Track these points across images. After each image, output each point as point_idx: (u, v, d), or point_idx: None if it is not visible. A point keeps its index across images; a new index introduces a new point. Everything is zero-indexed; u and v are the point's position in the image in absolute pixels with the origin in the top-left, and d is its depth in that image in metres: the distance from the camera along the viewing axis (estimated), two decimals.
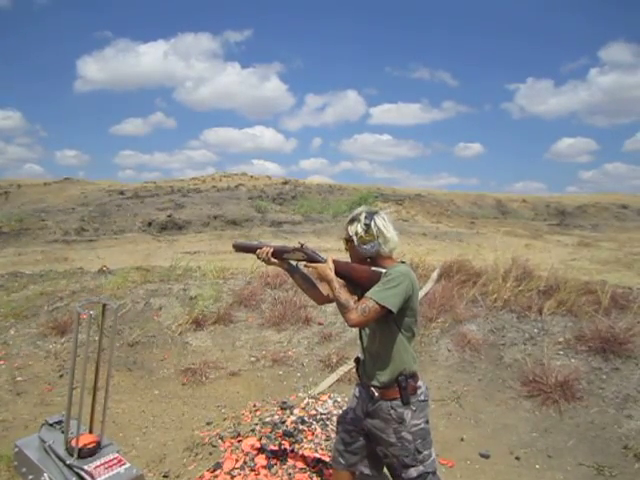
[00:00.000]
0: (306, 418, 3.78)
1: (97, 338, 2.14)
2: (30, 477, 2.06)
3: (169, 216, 21.56)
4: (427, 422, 2.23)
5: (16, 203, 26.10)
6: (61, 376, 4.73)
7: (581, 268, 10.36)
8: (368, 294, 2.09)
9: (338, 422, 2.50)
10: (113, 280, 6.87)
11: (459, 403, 4.20)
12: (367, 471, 2.36)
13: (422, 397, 2.23)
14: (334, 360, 4.93)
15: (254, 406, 4.15)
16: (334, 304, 2.26)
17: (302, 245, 2.36)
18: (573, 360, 4.46)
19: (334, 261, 2.26)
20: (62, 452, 2.07)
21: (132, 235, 18.41)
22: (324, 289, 2.40)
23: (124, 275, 7.12)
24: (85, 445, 2.06)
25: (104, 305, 2.18)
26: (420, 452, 2.17)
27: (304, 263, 2.35)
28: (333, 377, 4.67)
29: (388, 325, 2.16)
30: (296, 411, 3.93)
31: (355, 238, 2.20)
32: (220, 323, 5.74)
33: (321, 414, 3.86)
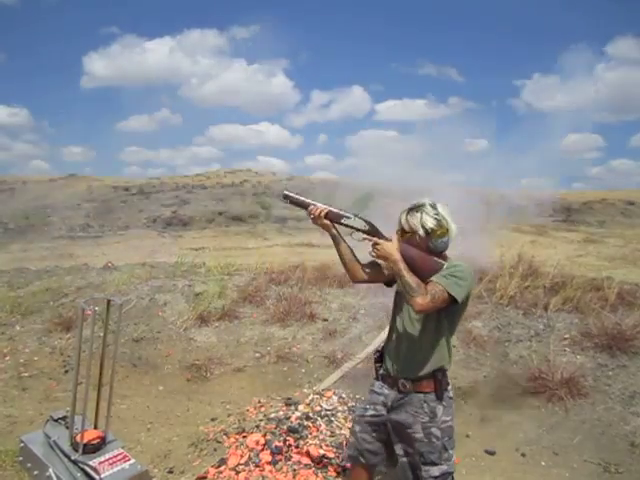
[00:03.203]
0: (311, 414, 3.77)
1: (102, 334, 2.13)
2: (35, 472, 2.06)
3: (174, 212, 21.61)
4: (452, 420, 2.16)
5: (22, 199, 26.21)
6: (66, 372, 4.74)
7: (587, 264, 10.33)
8: (435, 279, 2.01)
9: (356, 421, 2.38)
10: (118, 276, 6.88)
11: (464, 399, 4.18)
12: (384, 469, 2.31)
13: (451, 394, 2.18)
14: (339, 356, 4.92)
15: (259, 402, 4.14)
16: (359, 286, 2.16)
17: (358, 214, 2.23)
18: (579, 357, 4.44)
19: (399, 242, 2.14)
20: (67, 448, 2.06)
21: (137, 231, 18.47)
22: (369, 268, 2.29)
23: (129, 271, 7.14)
24: (90, 441, 2.06)
25: (109, 301, 2.17)
26: (447, 450, 2.10)
27: (362, 235, 2.20)
28: (338, 373, 4.65)
29: (439, 317, 2.10)
30: (301, 407, 3.92)
31: (422, 231, 2.08)
32: (225, 319, 5.74)
33: (326, 410, 3.84)
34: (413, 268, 2.09)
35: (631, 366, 4.20)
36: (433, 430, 2.09)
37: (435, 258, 2.12)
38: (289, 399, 4.13)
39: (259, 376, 4.76)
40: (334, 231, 2.27)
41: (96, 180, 33.30)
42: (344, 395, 4.13)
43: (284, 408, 3.95)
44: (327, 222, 2.24)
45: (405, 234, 2.14)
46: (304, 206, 2.28)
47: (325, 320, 5.68)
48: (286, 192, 2.34)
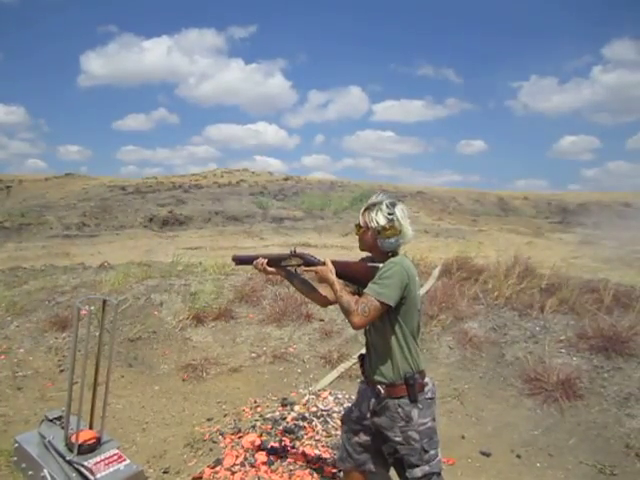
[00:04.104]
0: (307, 415, 3.77)
1: (97, 334, 2.13)
2: (30, 473, 2.05)
3: (170, 212, 21.57)
4: (434, 420, 2.17)
5: (18, 198, 26.14)
6: (61, 371, 4.73)
7: (583, 266, 10.35)
8: (367, 289, 2.06)
9: (343, 421, 2.44)
10: (114, 276, 6.86)
11: (460, 401, 4.19)
12: (375, 469, 2.31)
13: (429, 395, 2.17)
14: (335, 356, 4.92)
15: (255, 402, 4.14)
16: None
17: (294, 250, 2.33)
18: (575, 358, 4.45)
19: (332, 262, 2.21)
20: (62, 448, 2.06)
21: (133, 231, 18.42)
22: (326, 292, 2.34)
23: (125, 271, 7.12)
24: (85, 441, 2.06)
25: (105, 301, 2.17)
26: (426, 451, 2.12)
27: (302, 268, 2.31)
28: (334, 374, 4.66)
29: (389, 319, 2.11)
30: (297, 408, 3.92)
31: (373, 228, 2.13)
32: (221, 319, 5.73)
33: (322, 411, 3.85)
34: (351, 279, 2.23)
35: (626, 368, 4.21)
36: (410, 433, 2.11)
37: (370, 264, 2.19)
38: (285, 399, 4.13)
39: (255, 376, 4.76)
40: (284, 273, 2.39)
41: (92, 179, 33.22)
42: (340, 396, 4.14)
43: (280, 408, 3.95)
44: (272, 269, 2.36)
45: (360, 229, 2.20)
46: (249, 262, 2.43)
47: (321, 320, 5.68)
48: (233, 257, 2.53)
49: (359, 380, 2.46)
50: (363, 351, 2.38)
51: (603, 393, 4.01)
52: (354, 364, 4.60)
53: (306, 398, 4.12)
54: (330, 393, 4.20)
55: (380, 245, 2.15)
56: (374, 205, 2.17)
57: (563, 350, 4.59)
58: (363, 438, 2.30)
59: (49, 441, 2.08)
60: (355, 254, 2.31)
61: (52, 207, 22.39)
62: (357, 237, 2.26)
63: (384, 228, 2.11)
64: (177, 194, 25.72)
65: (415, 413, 2.11)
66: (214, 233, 18.06)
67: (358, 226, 2.22)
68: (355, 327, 2.07)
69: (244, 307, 6.07)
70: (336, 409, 3.87)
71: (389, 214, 2.12)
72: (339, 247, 14.28)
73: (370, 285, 2.06)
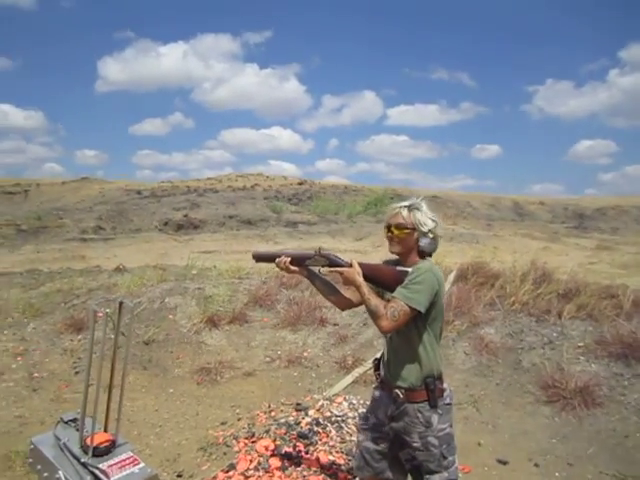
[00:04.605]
0: (321, 420, 3.74)
1: (113, 336, 2.12)
2: (45, 474, 2.05)
3: (185, 216, 21.70)
4: (451, 426, 2.14)
5: (35, 202, 26.48)
6: (77, 373, 4.75)
7: (601, 272, 10.21)
8: (395, 294, 2.02)
9: (359, 429, 2.39)
10: (129, 278, 6.91)
11: (476, 407, 4.14)
12: (393, 477, 2.26)
13: (447, 400, 2.14)
14: (349, 362, 4.89)
15: (269, 407, 4.12)
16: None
17: (319, 250, 2.26)
18: (593, 365, 4.38)
19: (360, 264, 2.14)
20: (77, 450, 2.05)
21: (148, 234, 18.55)
22: (349, 294, 2.30)
23: (140, 274, 7.16)
24: (100, 443, 2.05)
25: (120, 303, 2.17)
26: (445, 457, 2.08)
27: (327, 269, 2.23)
28: (348, 379, 4.63)
29: (416, 324, 2.07)
30: (311, 412, 3.90)
31: (421, 229, 2.08)
32: (235, 323, 5.73)
33: (336, 416, 3.82)
34: (379, 283, 2.15)
35: None
36: (430, 439, 2.07)
37: (399, 267, 2.13)
38: (299, 404, 4.10)
39: (269, 380, 4.75)
40: (306, 273, 2.30)
41: (109, 183, 33.55)
42: (354, 401, 4.10)
43: (294, 413, 3.92)
44: (295, 268, 2.26)
45: (402, 230, 2.10)
46: (271, 260, 2.32)
47: (336, 325, 5.66)
48: (253, 253, 2.42)
49: (373, 386, 2.42)
50: (378, 355, 2.35)
51: (623, 401, 3.93)
52: (369, 369, 4.57)
53: (320, 403, 4.09)
54: (345, 398, 4.17)
55: (422, 247, 2.11)
56: (414, 206, 2.12)
57: (581, 357, 4.52)
58: (381, 445, 2.25)
59: (64, 443, 2.08)
60: (369, 258, 2.28)
61: (69, 210, 22.65)
62: (391, 238, 2.14)
63: (430, 229, 2.08)
64: (192, 198, 25.86)
65: (435, 418, 2.08)
66: (228, 237, 18.13)
67: (399, 227, 2.11)
68: (383, 331, 2.04)
69: (258, 311, 6.07)
70: (350, 415, 3.83)
71: (433, 216, 2.10)
72: (353, 251, 14.25)
73: (400, 289, 2.02)
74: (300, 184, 34.25)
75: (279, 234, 18.87)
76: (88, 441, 2.04)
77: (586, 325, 4.96)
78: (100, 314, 2.07)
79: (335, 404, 4.06)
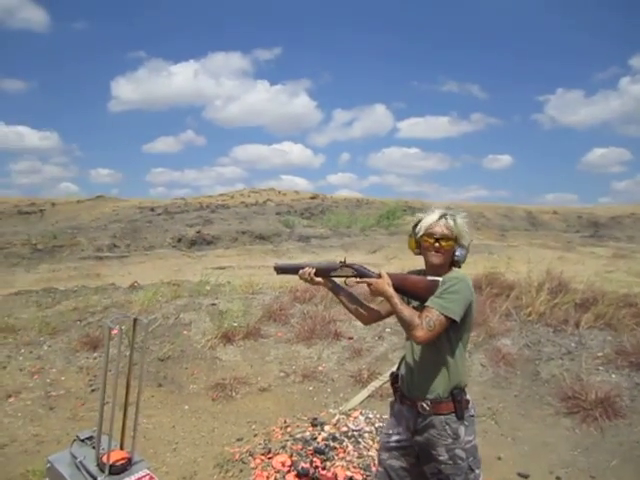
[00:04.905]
0: (337, 435, 3.71)
1: (128, 353, 2.13)
2: None
3: (198, 232, 21.79)
4: (475, 438, 2.09)
5: (50, 221, 26.76)
6: (93, 391, 4.76)
7: (618, 280, 10.04)
8: (429, 304, 1.99)
9: (382, 447, 2.30)
10: (144, 295, 6.93)
11: (495, 420, 4.08)
12: None
13: (472, 412, 2.11)
14: (365, 375, 4.85)
15: (284, 422, 4.10)
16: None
17: (344, 261, 2.24)
18: (614, 376, 4.30)
19: (389, 275, 2.11)
20: (93, 468, 2.05)
21: (162, 251, 18.64)
22: (376, 306, 2.28)
23: (154, 290, 7.18)
24: (116, 461, 2.05)
25: (135, 320, 2.17)
26: (472, 470, 2.04)
27: (353, 280, 2.20)
28: (364, 393, 4.59)
29: (447, 334, 2.04)
30: (327, 427, 3.87)
31: (462, 239, 2.08)
32: (250, 338, 5.72)
33: (353, 431, 3.78)
34: (408, 293, 2.11)
35: None
36: (457, 452, 2.03)
37: (429, 277, 2.09)
38: (315, 419, 4.07)
39: (285, 395, 4.72)
40: (330, 285, 2.28)
41: (123, 201, 33.86)
42: (371, 415, 4.07)
43: (310, 428, 3.89)
44: (320, 279, 2.24)
45: (447, 241, 2.07)
46: (294, 272, 2.30)
47: (350, 339, 5.62)
48: (276, 265, 2.39)
49: (390, 400, 2.36)
50: (394, 369, 2.31)
51: None
52: (385, 382, 4.53)
53: (336, 418, 4.06)
54: (361, 413, 4.13)
55: (457, 258, 2.10)
56: (454, 216, 2.11)
57: (601, 367, 4.44)
58: (407, 461, 2.18)
59: (80, 461, 2.08)
60: (386, 271, 2.25)
61: (84, 229, 22.85)
62: (437, 250, 2.08)
63: (469, 241, 2.09)
64: (205, 214, 25.99)
65: (462, 430, 2.04)
66: (241, 252, 18.17)
67: (446, 238, 2.07)
68: (419, 342, 2.00)
69: (272, 326, 6.06)
70: (367, 429, 3.80)
71: (467, 225, 2.10)
72: (366, 264, 14.17)
73: (434, 299, 1.99)
74: (312, 198, 34.32)
75: (292, 249, 18.87)
76: (104, 459, 2.03)
77: (605, 335, 4.88)
78: (115, 331, 2.07)
79: (351, 419, 4.02)
